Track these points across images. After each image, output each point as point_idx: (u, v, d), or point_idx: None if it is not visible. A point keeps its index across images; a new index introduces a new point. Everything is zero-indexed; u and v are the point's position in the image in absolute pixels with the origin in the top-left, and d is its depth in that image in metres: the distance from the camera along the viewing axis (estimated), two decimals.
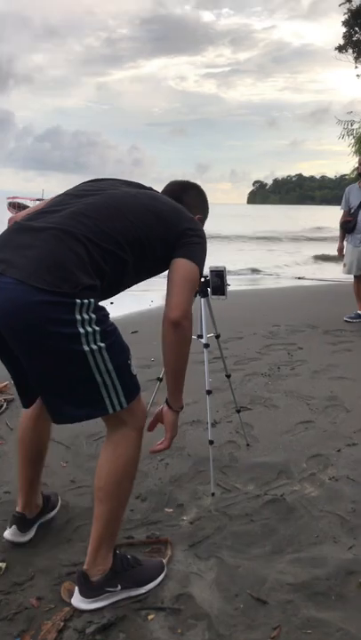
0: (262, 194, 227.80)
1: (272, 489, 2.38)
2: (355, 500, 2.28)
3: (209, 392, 2.41)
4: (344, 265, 5.84)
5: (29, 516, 1.96)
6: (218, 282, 2.36)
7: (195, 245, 1.74)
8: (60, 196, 1.76)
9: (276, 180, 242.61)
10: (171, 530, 2.07)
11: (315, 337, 5.19)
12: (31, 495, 1.97)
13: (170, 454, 2.72)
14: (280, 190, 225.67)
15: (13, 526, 1.93)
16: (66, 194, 1.76)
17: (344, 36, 25.92)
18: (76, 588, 1.63)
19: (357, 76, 26.44)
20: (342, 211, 5.76)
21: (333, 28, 28.39)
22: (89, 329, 1.47)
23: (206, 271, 2.39)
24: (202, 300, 2.44)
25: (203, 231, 1.82)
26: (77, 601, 1.62)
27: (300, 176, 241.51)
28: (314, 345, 4.85)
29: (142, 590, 1.68)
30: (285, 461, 2.63)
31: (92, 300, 1.49)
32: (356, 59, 26.24)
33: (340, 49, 26.29)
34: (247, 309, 6.54)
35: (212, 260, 2.22)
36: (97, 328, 1.49)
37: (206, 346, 2.42)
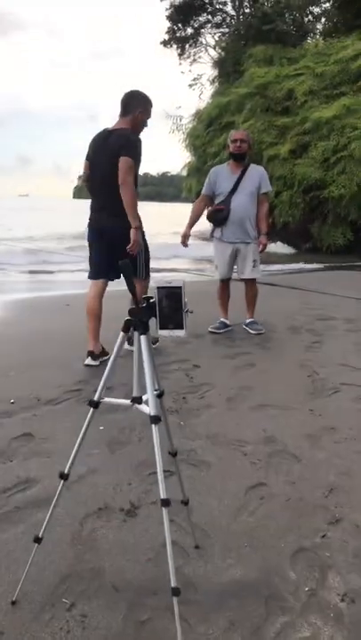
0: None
1: None
2: None
3: (166, 503, 1.39)
4: (216, 267, 4.97)
5: (96, 351, 3.78)
6: (170, 307, 1.35)
7: (123, 148, 3.55)
8: None
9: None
10: None
11: (205, 348, 4.38)
12: (97, 340, 3.82)
13: (81, 593, 1.63)
14: None
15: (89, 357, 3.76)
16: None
17: (168, 32, 26.03)
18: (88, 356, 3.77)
19: (182, 72, 26.71)
20: (203, 195, 4.81)
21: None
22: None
23: (151, 290, 1.37)
24: (141, 337, 1.41)
25: (127, 136, 3.63)
26: (89, 361, 3.77)
27: None
28: (210, 360, 4.03)
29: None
30: (264, 573, 1.73)
31: None
32: (179, 55, 26.53)
33: (165, 44, 26.36)
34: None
35: None
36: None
37: (156, 420, 1.39)
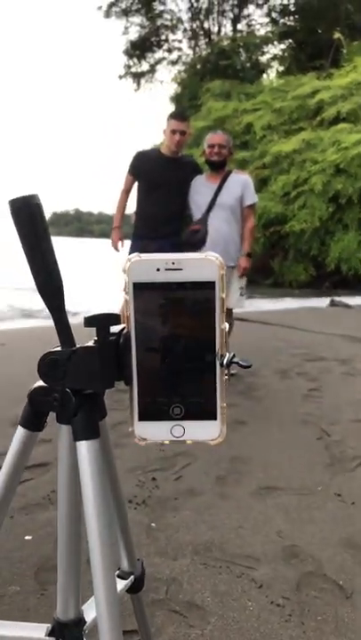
0: None
1: None
2: None
3: None
4: None
5: None
6: (177, 355, 0.43)
7: None
8: None
9: (55, 214, 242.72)
10: None
11: None
12: None
13: None
14: (59, 223, 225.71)
15: None
16: None
17: (124, 66, 26.11)
18: None
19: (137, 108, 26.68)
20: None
21: None
22: None
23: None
24: (78, 445, 0.47)
25: None
26: None
27: (77, 210, 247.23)
28: None
29: None
30: None
31: None
32: (135, 90, 26.62)
33: (121, 77, 26.36)
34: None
35: None
36: None
37: None
